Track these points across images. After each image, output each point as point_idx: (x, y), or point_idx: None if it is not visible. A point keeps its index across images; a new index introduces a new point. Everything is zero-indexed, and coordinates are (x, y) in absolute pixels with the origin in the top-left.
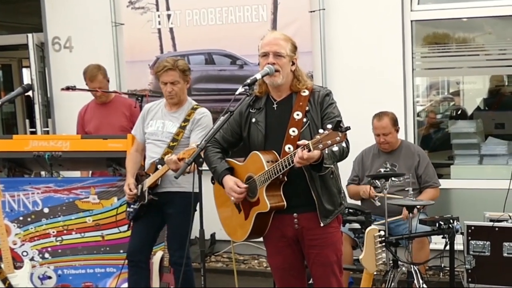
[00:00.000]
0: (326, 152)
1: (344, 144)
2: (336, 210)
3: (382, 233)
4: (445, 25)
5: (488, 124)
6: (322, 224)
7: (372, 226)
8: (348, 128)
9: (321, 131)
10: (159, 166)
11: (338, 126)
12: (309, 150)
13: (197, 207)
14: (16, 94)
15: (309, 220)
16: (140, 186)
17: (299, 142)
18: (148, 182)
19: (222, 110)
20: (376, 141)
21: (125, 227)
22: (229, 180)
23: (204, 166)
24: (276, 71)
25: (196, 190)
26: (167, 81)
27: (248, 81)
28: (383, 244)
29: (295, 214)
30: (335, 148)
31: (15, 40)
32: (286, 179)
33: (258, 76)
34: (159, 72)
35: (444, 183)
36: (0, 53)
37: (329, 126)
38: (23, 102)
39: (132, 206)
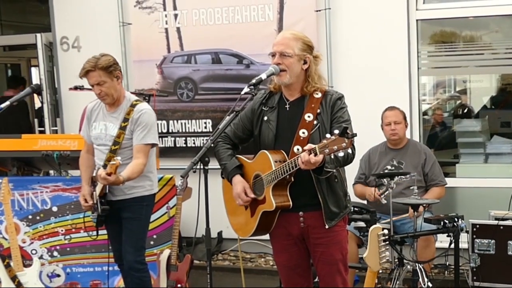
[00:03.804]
0: (330, 156)
1: (349, 150)
2: (342, 212)
3: (385, 231)
4: (451, 24)
5: (493, 122)
6: (327, 226)
7: (376, 225)
8: (354, 135)
9: (328, 136)
10: None
11: (345, 132)
12: (316, 154)
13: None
14: (25, 94)
15: (315, 218)
16: (94, 193)
17: (306, 147)
18: (98, 191)
19: (228, 109)
20: (386, 132)
21: (94, 233)
22: (238, 184)
23: (210, 165)
24: (282, 70)
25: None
26: (92, 83)
27: (253, 81)
28: (387, 242)
29: (301, 213)
30: (341, 154)
31: (24, 39)
32: (293, 180)
33: (263, 76)
34: (82, 76)
35: (449, 182)
36: (9, 52)
37: (336, 131)
38: (32, 102)
39: (92, 215)
